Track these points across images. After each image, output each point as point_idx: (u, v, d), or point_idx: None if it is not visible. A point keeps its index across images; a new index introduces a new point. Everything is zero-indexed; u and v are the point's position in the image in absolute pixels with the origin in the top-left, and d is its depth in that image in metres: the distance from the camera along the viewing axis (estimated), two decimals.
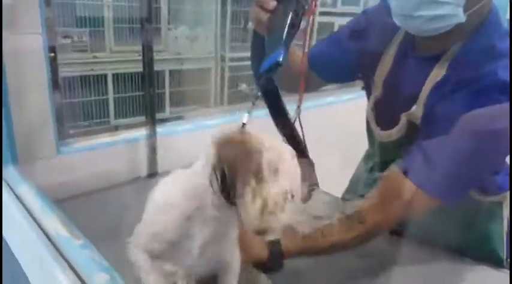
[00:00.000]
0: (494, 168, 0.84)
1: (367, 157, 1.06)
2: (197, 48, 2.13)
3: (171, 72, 2.08)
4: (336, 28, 2.74)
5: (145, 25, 1.11)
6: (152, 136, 1.14)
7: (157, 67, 2.08)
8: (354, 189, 1.08)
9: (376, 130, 0.91)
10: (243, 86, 2.39)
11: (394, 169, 0.82)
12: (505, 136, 0.71)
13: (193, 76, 2.18)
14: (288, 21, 0.71)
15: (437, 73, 0.80)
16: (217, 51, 2.22)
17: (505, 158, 0.82)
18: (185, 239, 0.56)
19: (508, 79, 0.72)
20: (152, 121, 1.12)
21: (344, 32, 0.99)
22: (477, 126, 0.73)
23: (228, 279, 0.66)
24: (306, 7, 0.74)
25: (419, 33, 0.80)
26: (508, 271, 0.91)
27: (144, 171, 1.16)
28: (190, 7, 2.06)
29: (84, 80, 1.74)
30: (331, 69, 0.95)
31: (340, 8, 2.75)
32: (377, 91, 0.92)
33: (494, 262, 0.95)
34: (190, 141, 1.34)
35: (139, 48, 1.17)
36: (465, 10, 0.74)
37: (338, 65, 0.97)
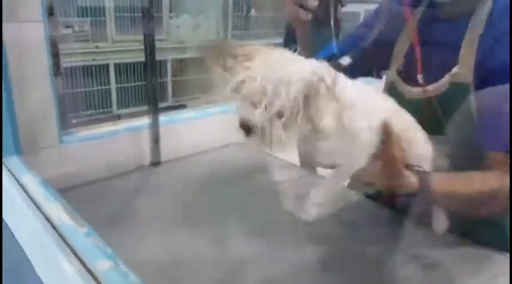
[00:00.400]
0: None
1: None
2: (199, 36, 2.11)
3: (173, 61, 2.07)
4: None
5: (147, 14, 1.10)
6: (155, 125, 1.14)
7: (159, 56, 2.07)
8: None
9: (407, 88, 0.93)
10: None
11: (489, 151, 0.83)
12: None
13: (196, 64, 2.17)
14: (332, 17, 0.77)
15: (475, 31, 0.86)
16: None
17: None
18: None
19: None
20: (155, 110, 1.12)
21: (363, 23, 1.06)
22: None
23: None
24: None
25: None
26: None
27: (147, 159, 1.17)
28: None
29: (86, 70, 1.74)
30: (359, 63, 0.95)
31: None
32: (398, 62, 0.96)
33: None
34: (194, 129, 1.35)
35: (141, 37, 1.16)
36: None
37: (364, 57, 0.98)
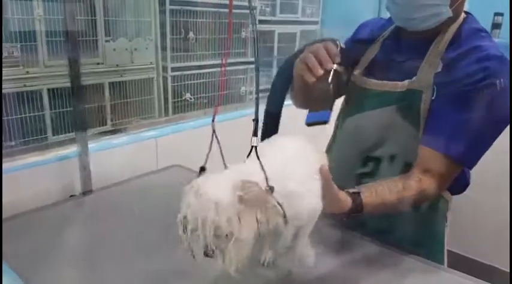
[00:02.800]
0: (501, 125, 1.01)
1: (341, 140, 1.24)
2: (137, 59, 2.12)
3: (111, 84, 2.05)
4: (276, 36, 2.81)
5: (70, 38, 1.11)
6: (84, 152, 1.14)
7: (96, 80, 2.06)
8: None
9: (368, 81, 1.10)
10: (187, 95, 2.40)
11: (425, 146, 1.00)
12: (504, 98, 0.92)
13: (135, 87, 2.17)
14: (331, 91, 0.91)
15: (437, 52, 1.01)
16: (158, 62, 2.22)
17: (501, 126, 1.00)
18: None
19: (496, 53, 0.96)
20: (83, 137, 1.12)
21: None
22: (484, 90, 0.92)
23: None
24: (345, 77, 0.99)
25: (417, 29, 1.02)
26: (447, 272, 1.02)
27: (78, 188, 1.16)
28: (128, 18, 2.05)
29: (17, 97, 1.69)
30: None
31: (279, 16, 2.83)
32: (363, 66, 1.14)
33: (436, 262, 1.06)
34: (127, 153, 1.35)
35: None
36: (451, 7, 0.98)
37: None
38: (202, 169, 0.67)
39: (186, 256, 0.88)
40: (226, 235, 0.57)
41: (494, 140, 0.99)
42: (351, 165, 1.15)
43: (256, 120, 0.76)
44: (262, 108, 1.30)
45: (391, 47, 1.13)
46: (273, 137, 0.90)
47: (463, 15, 1.06)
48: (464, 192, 1.12)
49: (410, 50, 1.07)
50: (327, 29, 3.10)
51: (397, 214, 1.04)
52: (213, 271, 0.84)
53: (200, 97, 2.40)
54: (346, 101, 1.23)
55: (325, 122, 0.90)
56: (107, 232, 0.98)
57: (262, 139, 1.18)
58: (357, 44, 1.21)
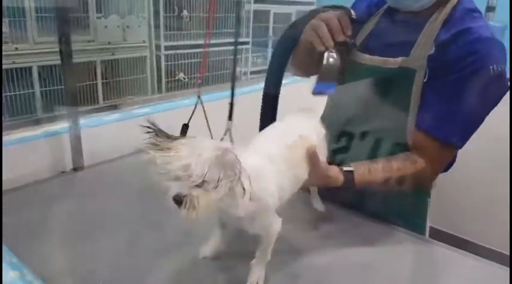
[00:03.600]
0: (490, 107, 1.00)
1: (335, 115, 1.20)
2: (129, 37, 2.08)
3: (103, 62, 2.02)
4: (271, 16, 2.77)
5: (60, 14, 1.07)
6: (75, 128, 1.12)
7: (87, 58, 2.02)
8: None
9: (363, 56, 1.09)
10: (181, 75, 2.37)
11: (420, 130, 1.00)
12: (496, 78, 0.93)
13: (127, 65, 2.13)
14: (339, 63, 0.92)
15: (431, 32, 1.00)
16: (151, 40, 2.18)
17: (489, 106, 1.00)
18: None
19: (487, 35, 0.95)
20: (75, 113, 1.10)
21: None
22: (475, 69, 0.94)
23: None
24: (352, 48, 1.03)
25: (411, 9, 1.02)
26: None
27: (69, 164, 1.14)
28: None
29: (7, 74, 1.65)
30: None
31: None
32: (360, 38, 1.11)
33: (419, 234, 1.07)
34: (119, 131, 1.33)
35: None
36: None
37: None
38: (186, 126, 0.70)
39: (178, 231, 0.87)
40: (198, 185, 0.62)
41: (483, 121, 0.99)
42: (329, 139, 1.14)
43: (231, 104, 0.78)
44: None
45: (387, 24, 1.13)
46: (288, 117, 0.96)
47: None
48: (453, 171, 1.11)
49: (405, 28, 1.07)
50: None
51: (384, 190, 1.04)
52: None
53: (194, 77, 2.37)
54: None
55: (328, 93, 0.97)
56: (98, 208, 0.97)
57: (262, 122, 1.18)
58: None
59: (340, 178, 0.95)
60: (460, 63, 0.95)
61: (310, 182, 0.92)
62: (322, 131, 0.98)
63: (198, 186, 0.63)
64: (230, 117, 0.72)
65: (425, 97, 1.00)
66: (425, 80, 1.00)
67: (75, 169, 1.15)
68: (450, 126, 0.98)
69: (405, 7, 1.05)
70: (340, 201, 1.13)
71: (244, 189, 0.64)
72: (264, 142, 0.83)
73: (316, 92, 0.95)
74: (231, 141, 0.67)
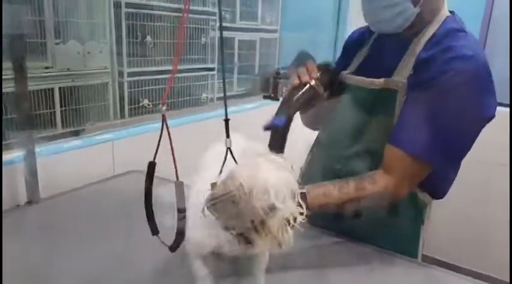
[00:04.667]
0: (469, 133, 1.01)
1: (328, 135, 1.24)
2: (90, 63, 2.00)
3: (61, 89, 1.93)
4: (236, 43, 2.78)
5: (15, 40, 1.01)
6: (30, 157, 1.03)
7: (45, 85, 1.92)
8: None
9: (351, 76, 1.17)
10: (145, 101, 2.30)
11: (389, 144, 1.01)
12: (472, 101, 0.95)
13: (88, 92, 2.05)
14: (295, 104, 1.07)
15: (414, 52, 1.02)
16: (113, 66, 2.11)
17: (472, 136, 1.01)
18: None
19: (468, 53, 0.96)
20: (30, 140, 1.01)
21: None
22: (451, 86, 0.94)
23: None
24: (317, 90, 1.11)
25: (389, 31, 1.05)
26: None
27: (24, 197, 1.04)
28: (80, 20, 1.94)
29: None
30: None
31: (239, 23, 2.80)
32: (352, 68, 1.21)
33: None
34: (80, 158, 1.24)
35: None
36: (414, 5, 1.00)
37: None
38: (152, 164, 0.66)
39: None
40: (270, 210, 0.58)
41: (465, 138, 0.98)
42: (329, 165, 1.14)
43: (226, 120, 0.73)
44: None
45: (378, 48, 1.17)
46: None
47: (445, 15, 1.05)
48: (448, 200, 1.10)
49: (392, 50, 1.10)
50: (286, 36, 3.11)
51: (372, 213, 1.02)
52: None
53: (159, 103, 2.31)
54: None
55: (277, 127, 1.00)
56: (54, 245, 0.88)
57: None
58: (349, 47, 1.31)
59: None
60: (435, 80, 0.96)
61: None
62: None
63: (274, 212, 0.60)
64: (227, 135, 0.67)
65: (400, 113, 1.01)
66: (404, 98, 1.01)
67: (29, 202, 1.05)
68: (419, 140, 0.98)
69: (384, 29, 1.08)
70: (326, 225, 1.11)
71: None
72: None
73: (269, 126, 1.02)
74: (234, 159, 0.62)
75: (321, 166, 1.18)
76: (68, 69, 1.90)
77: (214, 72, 2.68)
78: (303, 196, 0.89)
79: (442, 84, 0.94)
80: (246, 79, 2.96)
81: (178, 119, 1.57)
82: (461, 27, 1.03)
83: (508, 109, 2.25)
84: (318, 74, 1.11)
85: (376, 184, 0.97)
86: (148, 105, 2.28)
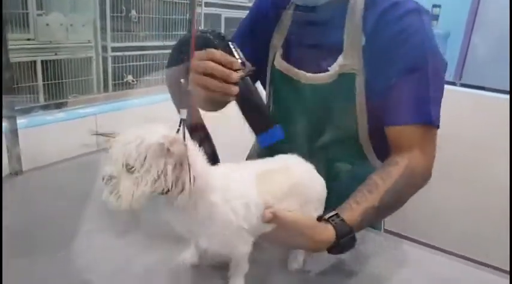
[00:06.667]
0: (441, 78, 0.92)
1: None
2: (73, 36, 1.98)
3: (44, 62, 1.90)
4: (223, 20, 2.76)
5: None
6: (12, 130, 1.03)
7: (26, 57, 1.90)
8: None
9: (302, 74, 0.97)
10: (129, 77, 2.29)
11: (392, 126, 0.89)
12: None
13: (71, 66, 2.03)
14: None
15: (353, 22, 0.90)
16: (97, 40, 2.09)
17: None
18: None
19: (414, 5, 0.88)
20: (11, 111, 1.01)
21: (244, 24, 1.09)
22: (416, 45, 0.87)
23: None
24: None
25: (318, 3, 0.91)
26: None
27: (6, 169, 1.05)
28: None
29: None
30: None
31: (226, 0, 2.77)
32: (278, 51, 1.00)
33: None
34: (63, 131, 1.25)
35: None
36: None
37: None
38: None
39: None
40: (131, 168, 0.56)
41: (442, 89, 0.91)
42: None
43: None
44: None
45: (304, 26, 1.00)
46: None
47: None
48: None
49: (324, 24, 0.96)
50: None
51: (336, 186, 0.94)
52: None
53: (143, 79, 2.30)
54: (270, 84, 1.10)
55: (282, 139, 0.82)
56: (37, 217, 0.89)
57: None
58: (261, 19, 1.07)
59: (330, 229, 0.75)
60: (395, 45, 0.88)
61: (292, 246, 0.81)
62: None
63: (131, 172, 0.56)
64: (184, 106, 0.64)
65: (384, 94, 0.90)
66: (368, 77, 0.92)
67: (11, 174, 1.06)
68: (420, 108, 0.89)
69: (311, 2, 0.93)
70: None
71: (184, 186, 0.58)
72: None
73: (268, 145, 0.82)
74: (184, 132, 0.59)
75: None
76: (51, 41, 1.87)
77: None
78: (335, 217, 0.77)
79: (405, 47, 0.87)
80: None
81: (163, 95, 1.57)
82: None
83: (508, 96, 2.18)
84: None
85: (399, 165, 0.86)
86: (132, 81, 2.27)
